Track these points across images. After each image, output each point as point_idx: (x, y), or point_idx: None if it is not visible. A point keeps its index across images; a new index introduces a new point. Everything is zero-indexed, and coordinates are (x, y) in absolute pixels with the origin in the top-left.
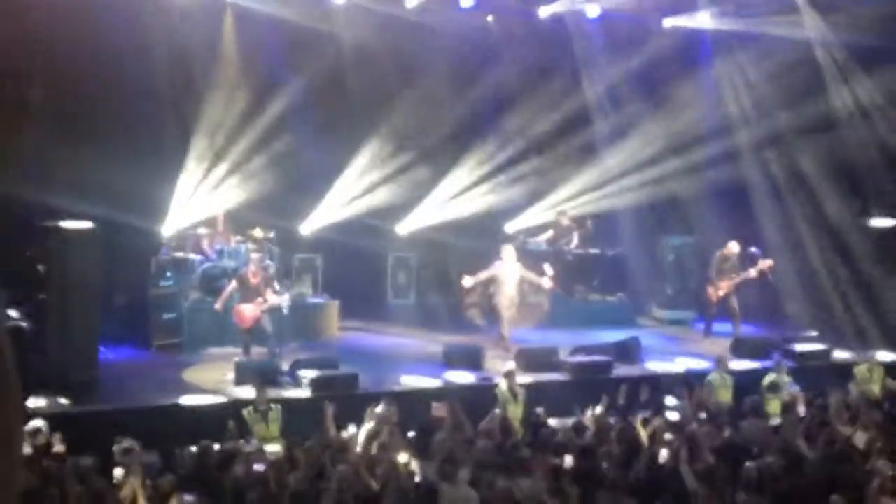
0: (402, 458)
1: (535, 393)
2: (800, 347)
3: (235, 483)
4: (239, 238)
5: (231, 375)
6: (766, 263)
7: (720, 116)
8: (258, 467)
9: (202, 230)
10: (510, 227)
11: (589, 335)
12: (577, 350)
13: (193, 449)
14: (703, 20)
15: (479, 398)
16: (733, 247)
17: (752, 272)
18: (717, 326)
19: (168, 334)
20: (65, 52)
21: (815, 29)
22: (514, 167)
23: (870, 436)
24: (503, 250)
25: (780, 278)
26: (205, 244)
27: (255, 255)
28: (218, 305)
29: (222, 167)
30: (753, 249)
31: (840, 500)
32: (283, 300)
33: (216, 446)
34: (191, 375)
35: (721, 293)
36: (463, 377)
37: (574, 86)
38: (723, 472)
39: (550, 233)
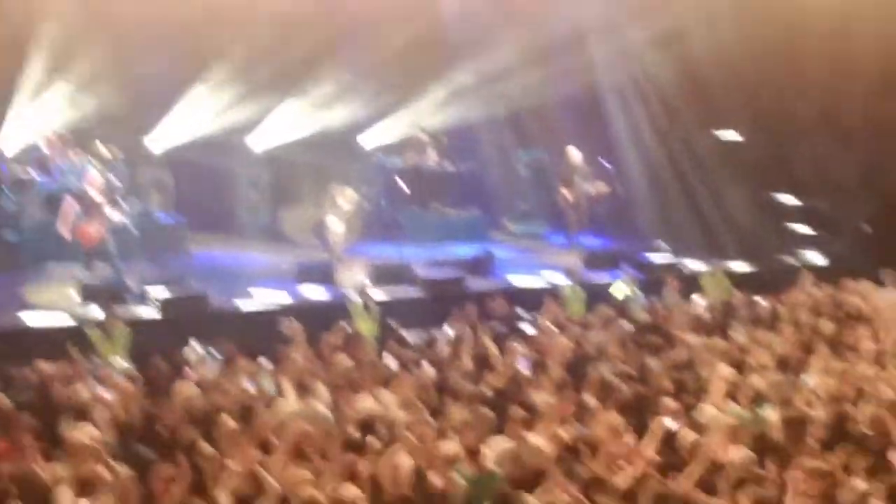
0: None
1: (389, 308)
2: (648, 258)
3: (78, 405)
4: (83, 154)
5: (75, 295)
6: (600, 187)
7: (571, 27)
8: (102, 389)
9: (44, 147)
10: (364, 142)
11: (443, 250)
12: (430, 265)
13: (34, 370)
14: None
15: (333, 314)
16: (572, 153)
17: (591, 189)
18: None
19: (9, 253)
20: None
21: None
22: (366, 82)
23: (711, 343)
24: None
25: (630, 190)
26: (47, 161)
27: (95, 172)
28: (63, 230)
29: (64, 81)
30: (605, 163)
31: (672, 402)
32: (126, 218)
33: (59, 367)
34: (33, 295)
35: (568, 200)
36: (316, 293)
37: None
38: (572, 381)
39: (432, 154)
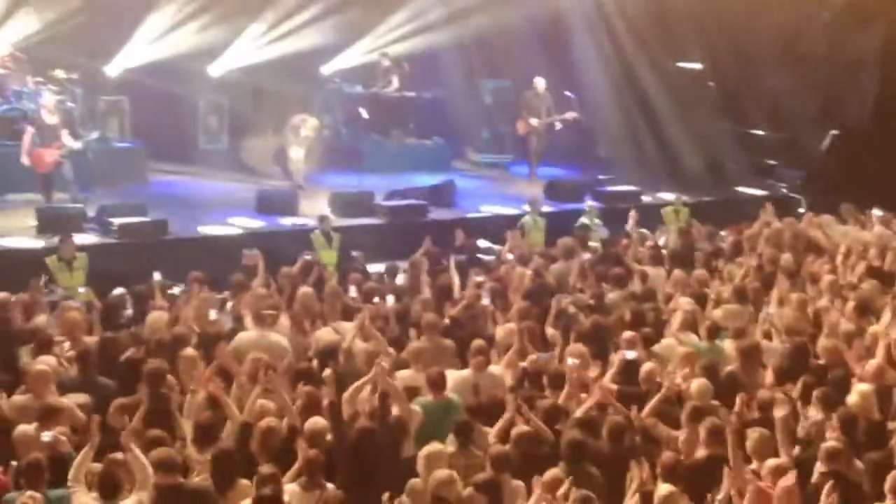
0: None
1: (350, 237)
2: (610, 189)
3: (38, 335)
4: (39, 79)
5: (33, 223)
6: (571, 115)
7: None
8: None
9: None
10: (326, 69)
11: (405, 179)
12: (392, 194)
13: None
14: None
15: (294, 244)
16: (538, 83)
17: (557, 119)
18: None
19: None
20: None
21: None
22: (327, 8)
23: (670, 274)
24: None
25: (593, 121)
26: (2, 84)
27: (49, 95)
28: (24, 158)
29: (18, 3)
30: (568, 94)
31: (633, 335)
32: (83, 144)
33: (18, 297)
34: None
35: (530, 130)
36: (276, 222)
37: None
38: (533, 312)
39: (396, 81)
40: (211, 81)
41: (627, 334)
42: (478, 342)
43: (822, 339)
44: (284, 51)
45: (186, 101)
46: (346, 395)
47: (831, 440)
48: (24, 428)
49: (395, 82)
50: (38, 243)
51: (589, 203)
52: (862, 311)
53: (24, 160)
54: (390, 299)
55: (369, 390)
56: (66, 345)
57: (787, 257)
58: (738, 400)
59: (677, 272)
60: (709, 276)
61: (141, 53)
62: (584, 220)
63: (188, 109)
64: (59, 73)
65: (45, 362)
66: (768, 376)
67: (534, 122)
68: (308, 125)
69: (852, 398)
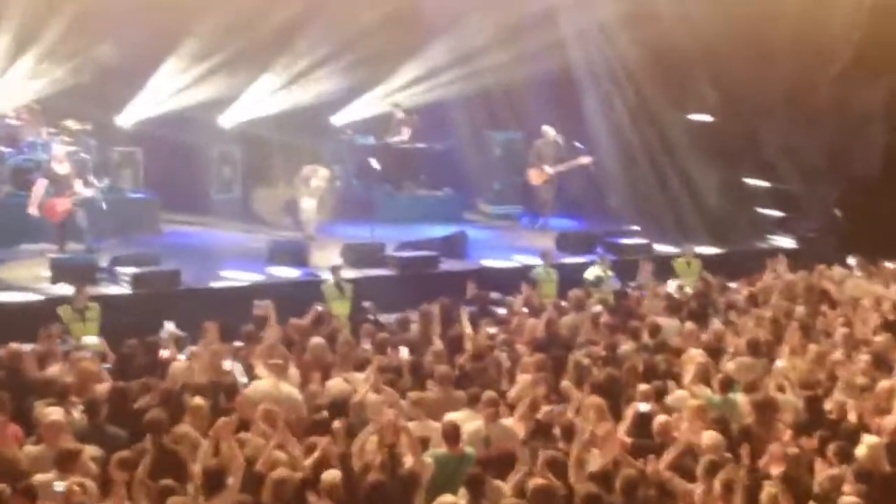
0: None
1: (363, 288)
2: (621, 241)
3: (51, 386)
4: (52, 130)
5: (46, 273)
6: (584, 160)
7: (543, 6)
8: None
9: (13, 121)
10: (337, 120)
11: (416, 230)
12: (403, 245)
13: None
14: None
15: (305, 294)
16: (548, 132)
17: (570, 165)
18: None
19: None
20: None
21: None
22: (338, 59)
23: (683, 327)
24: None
25: (602, 172)
26: (16, 135)
27: (58, 145)
28: (32, 209)
29: (33, 54)
30: (578, 145)
31: (648, 389)
32: (96, 194)
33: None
34: (3, 272)
35: (542, 178)
36: (288, 273)
37: None
38: (546, 363)
39: (406, 131)
40: (223, 132)
41: (641, 387)
42: (489, 394)
43: (836, 392)
44: (296, 102)
45: (199, 151)
46: (355, 446)
47: (849, 496)
48: (42, 477)
49: (405, 133)
50: (52, 293)
51: (600, 254)
52: (877, 365)
53: (33, 211)
54: (404, 350)
55: (381, 442)
56: (78, 395)
57: (800, 310)
58: (744, 453)
59: (689, 324)
60: (722, 328)
61: (154, 105)
62: (595, 271)
63: (201, 160)
64: (73, 125)
65: (57, 412)
66: (783, 430)
67: (549, 169)
68: (319, 175)
69: (861, 450)
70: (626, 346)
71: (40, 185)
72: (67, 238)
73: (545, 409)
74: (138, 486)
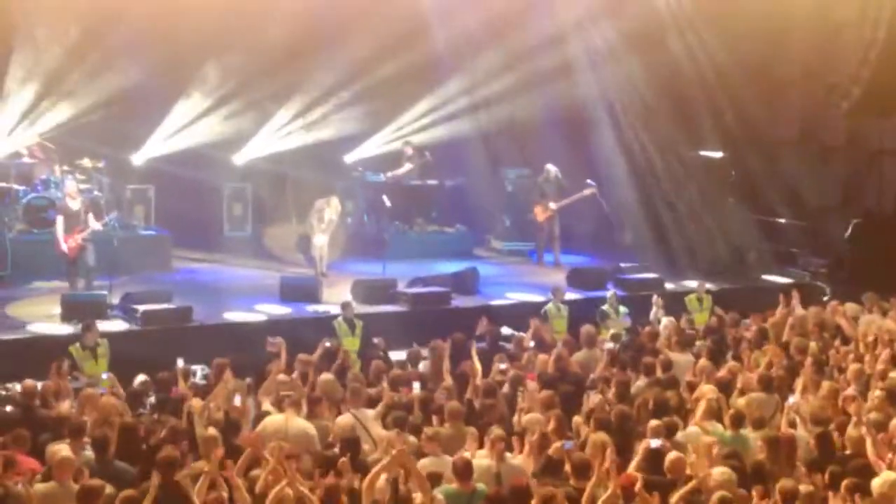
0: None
1: (373, 324)
2: (633, 277)
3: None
4: (66, 168)
5: (57, 310)
6: (587, 191)
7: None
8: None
9: (27, 159)
10: (349, 157)
11: (427, 266)
12: (414, 281)
13: (19, 387)
14: None
15: (317, 331)
16: (549, 169)
17: (573, 199)
18: (550, 256)
19: None
20: None
21: None
22: (350, 98)
23: (697, 363)
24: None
25: (613, 208)
26: (30, 173)
27: (71, 181)
28: (63, 246)
29: (49, 93)
30: (588, 182)
31: (659, 425)
32: (109, 231)
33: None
34: (15, 310)
35: (546, 214)
36: (299, 310)
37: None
38: (555, 399)
39: (408, 166)
40: (235, 170)
41: (652, 423)
42: (498, 431)
43: (850, 428)
44: (308, 140)
45: (211, 189)
46: (364, 483)
47: None
48: None
49: (407, 167)
50: (63, 330)
51: (611, 290)
52: (891, 401)
53: (63, 248)
54: (416, 386)
55: (391, 479)
56: (89, 432)
57: (813, 346)
58: (754, 494)
59: (702, 360)
60: (733, 364)
61: (166, 142)
62: (607, 307)
63: (213, 197)
64: (86, 162)
65: (65, 449)
66: (794, 467)
67: (552, 205)
68: (332, 206)
69: (875, 485)
70: (638, 383)
71: (59, 223)
72: (78, 275)
73: (557, 444)
74: None
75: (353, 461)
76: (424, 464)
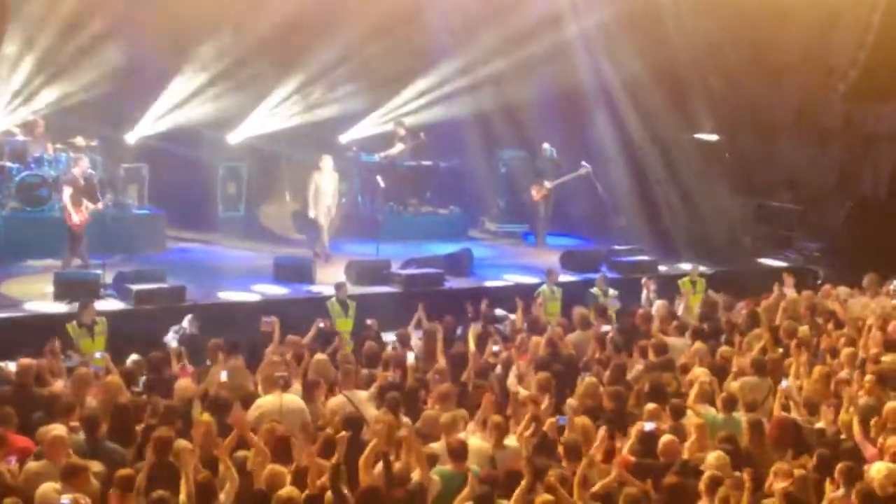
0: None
1: (366, 304)
2: (626, 259)
3: (55, 401)
4: (59, 146)
5: (51, 288)
6: (582, 170)
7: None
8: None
9: (20, 137)
10: (344, 137)
11: (421, 248)
12: (408, 262)
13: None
14: None
15: (310, 311)
16: (545, 148)
17: (567, 178)
18: (550, 239)
19: None
20: None
21: None
22: (346, 78)
23: (687, 346)
24: (321, 160)
25: (608, 190)
26: (23, 150)
27: (86, 160)
28: (75, 217)
29: (41, 70)
30: (584, 163)
31: (655, 408)
32: (102, 210)
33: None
34: (9, 288)
35: (542, 194)
36: (293, 290)
37: None
38: (549, 381)
39: (399, 146)
40: (229, 149)
41: (645, 406)
42: (496, 418)
43: (841, 412)
44: (303, 119)
45: (205, 168)
46: (361, 462)
47: None
48: (45, 489)
49: (398, 146)
50: (57, 309)
51: (604, 272)
52: (882, 384)
53: (75, 219)
54: (406, 367)
55: (386, 459)
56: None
57: (804, 329)
58: (745, 476)
59: (695, 343)
60: (726, 347)
61: (161, 121)
62: (600, 289)
63: (207, 177)
64: (79, 141)
65: (58, 428)
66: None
67: (547, 184)
68: (324, 165)
69: (872, 472)
70: (638, 367)
71: (66, 193)
72: (72, 252)
73: (551, 419)
74: (134, 498)
75: (349, 442)
76: (418, 445)
